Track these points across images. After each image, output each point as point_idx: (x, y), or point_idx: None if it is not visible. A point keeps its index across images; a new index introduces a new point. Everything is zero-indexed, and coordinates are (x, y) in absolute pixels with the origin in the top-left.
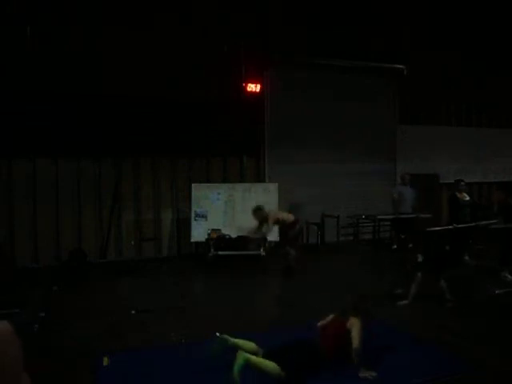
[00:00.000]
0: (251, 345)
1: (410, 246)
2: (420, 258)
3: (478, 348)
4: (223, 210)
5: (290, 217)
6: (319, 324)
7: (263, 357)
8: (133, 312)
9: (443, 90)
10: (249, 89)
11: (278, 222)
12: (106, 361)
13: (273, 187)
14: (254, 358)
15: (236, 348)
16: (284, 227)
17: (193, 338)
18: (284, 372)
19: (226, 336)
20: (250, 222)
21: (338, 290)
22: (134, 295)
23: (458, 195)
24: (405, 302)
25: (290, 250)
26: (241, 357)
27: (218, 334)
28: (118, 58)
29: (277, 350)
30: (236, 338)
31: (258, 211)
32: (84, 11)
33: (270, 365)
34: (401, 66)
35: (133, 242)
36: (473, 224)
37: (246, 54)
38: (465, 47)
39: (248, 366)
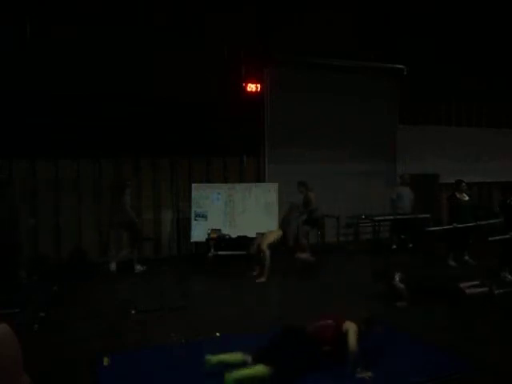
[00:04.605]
0: (237, 356)
1: (410, 246)
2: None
3: (478, 348)
4: (223, 210)
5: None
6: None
7: (253, 360)
8: (133, 312)
9: (443, 90)
10: (249, 89)
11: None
12: (106, 361)
13: (273, 187)
14: (241, 372)
15: (225, 363)
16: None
17: (193, 337)
18: (272, 369)
19: (209, 357)
20: (250, 222)
21: (338, 291)
22: (134, 295)
23: (458, 195)
24: (403, 303)
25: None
26: (229, 380)
27: (218, 334)
28: (117, 58)
29: (264, 351)
30: (221, 353)
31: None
32: (83, 11)
33: (258, 370)
34: (401, 66)
35: None
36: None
37: (246, 53)
38: (465, 47)
39: (240, 382)
